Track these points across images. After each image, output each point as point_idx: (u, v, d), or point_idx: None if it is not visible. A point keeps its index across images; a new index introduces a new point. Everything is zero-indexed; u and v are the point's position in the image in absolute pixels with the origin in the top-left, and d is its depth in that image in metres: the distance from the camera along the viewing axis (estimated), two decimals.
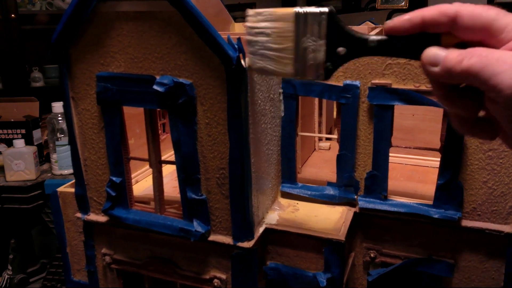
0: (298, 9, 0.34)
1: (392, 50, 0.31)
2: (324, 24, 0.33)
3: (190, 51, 0.41)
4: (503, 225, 0.47)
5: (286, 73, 0.34)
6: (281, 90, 0.51)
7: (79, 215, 0.52)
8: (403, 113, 0.67)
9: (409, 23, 0.28)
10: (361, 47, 0.32)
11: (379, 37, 0.31)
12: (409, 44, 0.29)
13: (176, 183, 0.58)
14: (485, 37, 0.26)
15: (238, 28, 0.89)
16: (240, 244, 0.44)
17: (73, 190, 0.55)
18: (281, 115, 0.52)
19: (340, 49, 0.32)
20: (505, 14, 0.26)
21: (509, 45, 0.25)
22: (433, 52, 0.27)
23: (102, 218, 0.51)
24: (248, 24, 0.35)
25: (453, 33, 0.27)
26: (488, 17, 0.26)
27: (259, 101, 0.45)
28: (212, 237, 0.45)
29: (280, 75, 0.36)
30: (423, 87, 0.46)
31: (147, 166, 0.62)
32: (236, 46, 0.38)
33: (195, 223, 0.45)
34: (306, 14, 0.33)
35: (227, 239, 0.45)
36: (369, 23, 0.88)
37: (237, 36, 0.40)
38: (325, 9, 0.33)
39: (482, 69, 0.24)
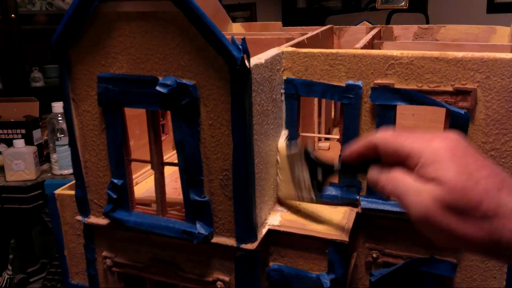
0: (287, 153, 0.50)
1: (350, 173, 0.44)
2: (303, 160, 0.47)
3: (193, 52, 0.40)
4: None
5: (292, 197, 0.50)
6: (283, 91, 0.51)
7: (79, 217, 0.52)
8: (403, 113, 0.66)
9: (350, 157, 0.38)
10: (330, 172, 0.44)
11: (339, 165, 0.43)
12: (360, 166, 0.38)
13: (177, 185, 0.58)
14: (399, 160, 0.33)
15: (236, 29, 0.89)
16: (243, 246, 0.44)
17: (70, 192, 0.55)
18: (283, 115, 0.52)
19: (319, 177, 0.46)
20: (410, 140, 0.32)
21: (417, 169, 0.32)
22: (372, 175, 0.36)
23: (102, 221, 0.50)
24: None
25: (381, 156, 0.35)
26: (395, 145, 0.33)
27: (262, 102, 0.45)
28: (215, 239, 0.45)
29: (289, 199, 0.52)
30: (425, 87, 0.46)
31: (147, 168, 0.62)
32: (240, 47, 0.38)
33: (198, 225, 0.45)
34: (291, 155, 0.49)
35: (230, 241, 0.45)
36: (366, 23, 0.87)
37: (239, 37, 0.40)
38: (302, 150, 0.47)
39: (397, 196, 0.33)
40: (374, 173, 0.36)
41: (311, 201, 0.48)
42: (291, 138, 0.53)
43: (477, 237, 0.29)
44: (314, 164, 0.45)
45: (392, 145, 0.33)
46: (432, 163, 0.30)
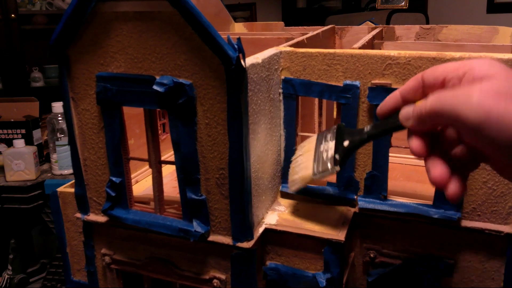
0: (319, 133, 0.46)
1: (385, 129, 0.37)
2: (334, 131, 0.42)
3: (190, 51, 0.40)
4: (503, 225, 0.47)
5: (308, 174, 0.43)
6: (281, 90, 0.51)
7: (78, 215, 0.52)
8: None
9: (392, 100, 0.34)
10: (360, 136, 0.39)
11: (371, 124, 0.39)
12: (393, 120, 0.34)
13: (176, 183, 0.58)
14: (445, 83, 0.31)
15: (238, 28, 0.89)
16: (239, 244, 0.44)
17: (73, 190, 0.55)
18: (281, 115, 0.52)
19: (345, 143, 0.40)
20: (461, 63, 0.30)
21: (468, 85, 0.29)
22: (405, 109, 0.33)
23: (101, 218, 0.51)
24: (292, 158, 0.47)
25: (426, 94, 0.32)
26: (444, 66, 0.31)
27: (259, 101, 0.45)
28: (211, 238, 0.45)
29: (305, 180, 0.44)
30: None
31: (147, 166, 0.62)
32: (236, 46, 0.38)
33: (194, 223, 0.45)
34: (324, 131, 0.45)
35: (227, 240, 0.45)
36: (369, 23, 0.87)
37: (237, 36, 0.40)
38: (336, 125, 0.43)
39: (442, 106, 0.29)
40: (409, 107, 0.32)
41: (327, 169, 0.40)
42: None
43: None
44: (343, 132, 0.41)
45: (440, 66, 0.31)
46: (482, 65, 0.29)
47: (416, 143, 0.32)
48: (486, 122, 0.26)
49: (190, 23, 0.39)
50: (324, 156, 0.41)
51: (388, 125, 0.35)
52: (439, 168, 0.31)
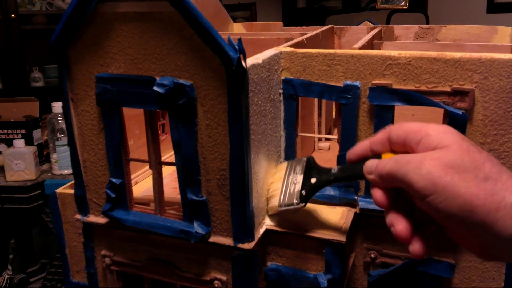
0: (290, 160, 0.48)
1: (349, 175, 0.39)
2: (304, 164, 0.45)
3: (190, 52, 0.40)
4: None
5: (274, 205, 0.45)
6: (281, 91, 0.51)
7: (78, 216, 0.52)
8: (402, 113, 0.66)
9: (361, 148, 0.37)
10: (326, 176, 0.41)
11: (339, 166, 0.41)
12: (359, 169, 0.36)
13: (176, 184, 0.58)
14: (408, 149, 0.33)
15: (237, 28, 0.89)
16: (240, 245, 0.44)
17: (72, 191, 0.55)
18: (281, 116, 0.52)
19: (312, 180, 0.42)
20: (420, 126, 0.32)
21: (423, 151, 0.31)
22: (369, 163, 0.35)
23: (101, 220, 0.51)
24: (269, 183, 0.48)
25: (391, 149, 0.35)
26: (408, 130, 0.33)
27: (260, 102, 0.45)
28: (212, 239, 0.45)
29: (272, 210, 0.47)
30: (423, 88, 0.46)
31: (147, 167, 0.62)
32: (236, 47, 0.38)
33: (195, 224, 0.45)
34: (293, 161, 0.47)
35: (228, 241, 0.45)
36: (368, 23, 0.87)
37: (238, 37, 0.40)
38: (306, 157, 0.45)
39: (397, 170, 0.31)
40: (373, 162, 0.35)
41: (293, 204, 0.43)
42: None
43: (480, 197, 0.28)
44: (312, 168, 0.44)
45: (405, 126, 0.33)
46: (439, 133, 0.31)
47: (378, 194, 0.34)
48: (433, 192, 0.29)
49: (190, 24, 0.39)
50: (291, 189, 0.44)
51: (353, 172, 0.38)
52: (401, 224, 0.32)
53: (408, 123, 0.33)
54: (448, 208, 0.28)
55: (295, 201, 0.43)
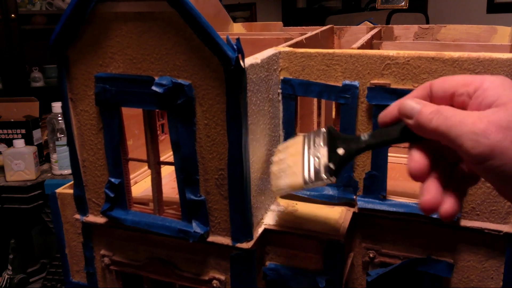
0: (306, 133, 0.40)
1: (384, 139, 0.33)
2: (325, 135, 0.38)
3: (189, 52, 0.40)
4: (502, 224, 0.47)
5: (298, 183, 0.37)
6: (279, 91, 0.51)
7: (77, 216, 0.52)
8: None
9: (394, 107, 0.31)
10: (357, 145, 0.35)
11: (368, 133, 0.34)
12: (394, 131, 0.31)
13: (175, 184, 0.58)
14: (456, 104, 0.29)
15: (236, 29, 0.89)
16: (239, 245, 0.44)
17: (71, 191, 0.55)
18: (280, 115, 0.52)
19: (340, 151, 0.35)
20: (472, 78, 0.28)
21: (477, 107, 0.27)
22: (409, 104, 0.29)
23: (100, 220, 0.51)
24: (274, 159, 0.41)
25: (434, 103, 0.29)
26: (455, 78, 0.29)
27: (258, 102, 0.45)
28: (211, 238, 0.45)
29: (294, 188, 0.38)
30: None
31: (146, 167, 0.62)
32: (235, 47, 0.38)
33: (194, 224, 0.45)
34: (310, 133, 0.39)
35: (226, 240, 0.45)
36: (368, 23, 0.87)
37: (236, 37, 0.40)
38: (325, 128, 0.38)
39: (447, 130, 0.27)
40: (414, 103, 0.29)
41: (321, 180, 0.36)
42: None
43: None
44: (336, 138, 0.36)
45: (451, 78, 0.29)
46: (497, 85, 0.27)
47: (416, 158, 0.30)
48: (491, 157, 0.26)
49: (189, 24, 0.39)
50: (316, 163, 0.37)
51: (388, 136, 0.33)
52: (433, 193, 0.29)
53: (454, 76, 0.29)
54: (508, 171, 0.26)
55: (323, 176, 0.36)
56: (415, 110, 0.29)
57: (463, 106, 0.28)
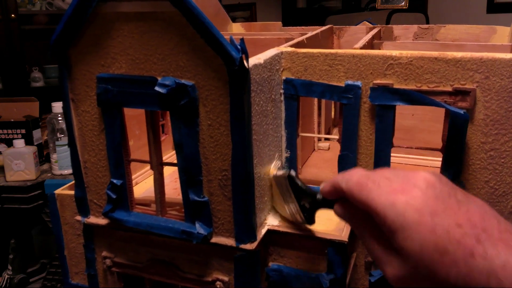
0: (273, 174, 0.48)
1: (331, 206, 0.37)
2: (289, 185, 0.45)
3: (192, 52, 0.40)
4: None
5: (288, 217, 0.47)
6: (282, 91, 0.51)
7: (79, 218, 0.52)
8: (402, 113, 0.66)
9: (328, 195, 0.35)
10: (314, 202, 0.42)
11: (321, 196, 0.39)
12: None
13: (176, 185, 0.58)
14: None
15: (235, 29, 0.89)
16: (242, 246, 0.44)
17: (70, 192, 0.55)
18: (282, 116, 0.52)
19: (307, 205, 0.44)
20: (375, 193, 0.30)
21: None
22: (337, 212, 0.35)
23: (102, 221, 0.50)
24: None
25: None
26: (361, 198, 0.30)
27: (261, 102, 0.45)
28: (214, 239, 0.45)
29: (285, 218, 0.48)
30: (424, 87, 0.46)
31: (147, 168, 0.62)
32: (239, 47, 0.38)
33: (197, 225, 0.45)
34: (278, 177, 0.47)
35: (230, 241, 0.45)
36: (367, 23, 0.87)
37: (238, 37, 0.40)
38: (285, 173, 0.45)
39: (359, 192, 0.30)
40: (340, 211, 0.34)
41: (302, 223, 0.45)
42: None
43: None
44: (298, 190, 0.44)
45: (357, 197, 0.31)
46: (397, 230, 0.28)
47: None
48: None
49: (192, 24, 0.39)
50: (294, 211, 0.45)
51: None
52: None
53: (361, 190, 0.30)
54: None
55: (304, 224, 0.45)
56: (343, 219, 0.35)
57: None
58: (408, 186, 0.29)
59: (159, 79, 0.42)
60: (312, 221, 0.44)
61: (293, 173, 0.45)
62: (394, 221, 0.28)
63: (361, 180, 0.31)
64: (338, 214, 0.35)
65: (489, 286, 0.25)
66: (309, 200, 0.43)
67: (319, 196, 0.41)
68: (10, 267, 1.32)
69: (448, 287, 0.27)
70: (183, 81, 0.41)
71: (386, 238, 0.29)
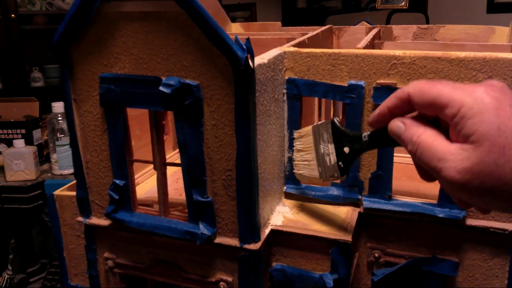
0: (313, 125, 0.44)
1: (381, 141, 0.36)
2: (329, 130, 0.41)
3: (197, 52, 0.40)
4: (508, 223, 0.47)
5: (315, 176, 0.43)
6: (284, 91, 0.51)
7: (80, 219, 0.52)
8: None
9: (380, 116, 0.33)
10: (359, 145, 0.39)
11: (368, 132, 0.37)
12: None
13: (178, 185, 0.58)
14: (435, 112, 0.29)
15: (235, 29, 0.89)
16: (246, 246, 0.44)
17: (69, 193, 0.55)
18: (285, 115, 0.52)
19: (345, 149, 0.40)
20: (450, 88, 0.29)
21: (456, 136, 0.28)
22: (395, 125, 0.32)
23: (104, 222, 0.50)
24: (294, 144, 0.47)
25: (415, 111, 0.31)
26: (432, 94, 0.29)
27: (265, 102, 0.45)
28: (218, 240, 0.45)
29: (313, 180, 0.45)
30: None
31: (148, 168, 0.61)
32: (244, 47, 0.38)
33: (201, 225, 0.45)
34: (318, 126, 0.43)
35: (234, 241, 0.45)
36: (365, 23, 0.87)
37: (244, 37, 0.40)
38: (329, 120, 0.41)
39: (426, 161, 0.29)
40: (399, 123, 0.31)
41: (335, 178, 0.42)
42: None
43: None
44: (340, 134, 0.40)
45: (429, 93, 0.29)
46: (474, 114, 0.27)
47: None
48: (461, 191, 0.28)
49: (197, 23, 0.39)
50: (327, 160, 0.42)
51: (386, 139, 0.34)
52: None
53: (432, 86, 0.29)
54: (486, 205, 0.28)
55: (335, 174, 0.41)
56: (400, 131, 0.31)
57: (445, 125, 0.29)
58: (484, 84, 0.28)
59: (163, 79, 0.42)
60: (346, 171, 0.40)
61: (337, 119, 0.42)
62: (473, 106, 0.27)
63: (429, 82, 0.30)
64: (394, 128, 0.32)
65: None
66: (351, 144, 0.39)
67: (364, 135, 0.38)
68: (10, 267, 1.31)
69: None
70: (187, 81, 0.41)
71: (454, 131, 0.28)
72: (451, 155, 0.27)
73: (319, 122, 0.44)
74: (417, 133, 0.30)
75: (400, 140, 0.31)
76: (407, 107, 0.31)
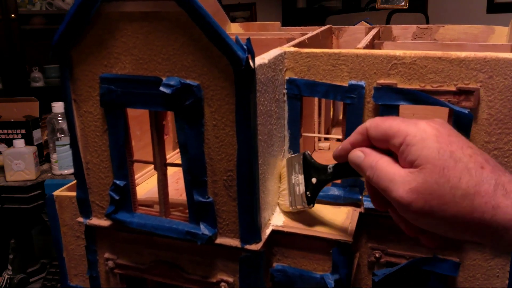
0: (288, 157, 0.49)
1: (343, 172, 0.42)
2: (301, 162, 0.46)
3: (197, 52, 0.40)
4: None
5: (287, 205, 0.48)
6: (285, 91, 0.51)
7: (80, 219, 0.52)
8: (403, 113, 0.66)
9: (343, 151, 0.37)
10: (325, 176, 0.43)
11: (333, 164, 0.42)
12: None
13: (178, 186, 0.58)
14: (387, 144, 0.33)
15: (234, 29, 0.88)
16: (247, 246, 0.44)
17: (69, 194, 0.55)
18: (285, 116, 0.52)
19: (313, 180, 0.45)
20: (398, 121, 0.33)
21: (403, 162, 0.32)
22: (355, 154, 0.36)
23: (104, 222, 0.50)
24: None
25: (374, 146, 0.35)
26: (384, 127, 0.33)
27: (266, 102, 0.45)
28: (219, 240, 0.45)
29: (286, 210, 0.49)
30: (428, 87, 0.46)
31: (148, 169, 0.61)
32: (245, 47, 0.38)
33: (201, 226, 0.45)
34: (291, 158, 0.48)
35: (235, 242, 0.44)
36: (364, 23, 0.87)
37: (244, 37, 0.40)
38: (301, 153, 0.47)
39: (381, 186, 0.33)
40: (358, 152, 0.35)
41: (303, 207, 0.46)
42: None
43: (459, 217, 0.29)
44: (309, 166, 0.45)
45: (382, 126, 0.34)
46: (417, 142, 0.31)
47: (371, 197, 0.36)
48: (408, 212, 0.31)
49: (198, 24, 0.39)
50: (297, 190, 0.46)
51: (348, 171, 0.38)
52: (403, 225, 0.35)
53: (385, 121, 0.34)
54: (431, 228, 0.31)
55: (303, 204, 0.45)
56: (359, 159, 0.35)
57: (396, 155, 0.33)
58: (426, 120, 0.33)
59: (163, 79, 0.41)
60: (313, 200, 0.45)
61: (307, 152, 0.47)
62: (416, 135, 0.31)
63: (383, 117, 0.35)
64: (354, 157, 0.36)
65: (495, 195, 0.28)
66: (318, 176, 0.44)
67: (329, 167, 0.43)
68: (10, 267, 1.31)
69: (456, 195, 0.29)
70: (188, 81, 0.41)
71: (401, 158, 0.32)
72: (400, 177, 0.31)
73: (293, 155, 0.49)
74: (375, 159, 0.34)
75: (359, 167, 0.35)
76: (366, 142, 0.35)
